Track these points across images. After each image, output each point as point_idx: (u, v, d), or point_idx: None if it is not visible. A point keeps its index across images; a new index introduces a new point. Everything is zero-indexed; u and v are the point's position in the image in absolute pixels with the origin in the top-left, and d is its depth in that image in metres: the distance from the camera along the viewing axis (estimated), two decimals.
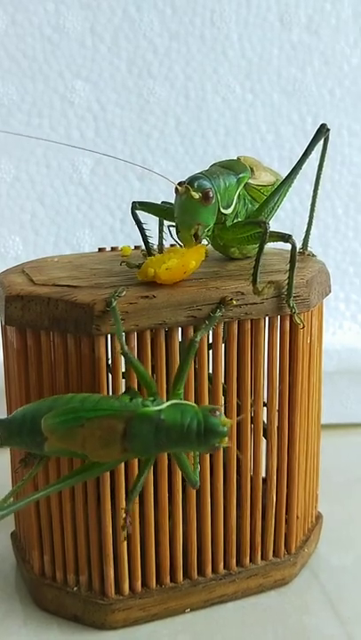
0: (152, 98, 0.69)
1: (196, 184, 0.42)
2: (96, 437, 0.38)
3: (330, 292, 0.50)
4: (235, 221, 0.46)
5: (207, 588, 0.47)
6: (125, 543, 0.44)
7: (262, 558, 0.49)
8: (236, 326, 0.44)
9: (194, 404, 0.39)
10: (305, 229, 0.53)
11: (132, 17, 0.68)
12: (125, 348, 0.40)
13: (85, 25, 0.68)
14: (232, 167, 0.46)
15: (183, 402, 0.39)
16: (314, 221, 0.53)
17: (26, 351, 0.44)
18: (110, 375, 0.43)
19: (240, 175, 0.46)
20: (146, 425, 0.38)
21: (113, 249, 0.55)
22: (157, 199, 0.52)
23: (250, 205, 0.47)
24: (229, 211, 0.45)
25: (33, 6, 0.67)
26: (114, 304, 0.40)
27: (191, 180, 0.42)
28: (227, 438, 0.38)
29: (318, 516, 0.55)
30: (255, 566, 0.48)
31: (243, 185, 0.46)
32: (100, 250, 0.55)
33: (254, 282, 0.43)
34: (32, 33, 0.67)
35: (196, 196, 0.41)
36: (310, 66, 0.71)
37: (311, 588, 0.49)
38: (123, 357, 0.40)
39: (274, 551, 0.49)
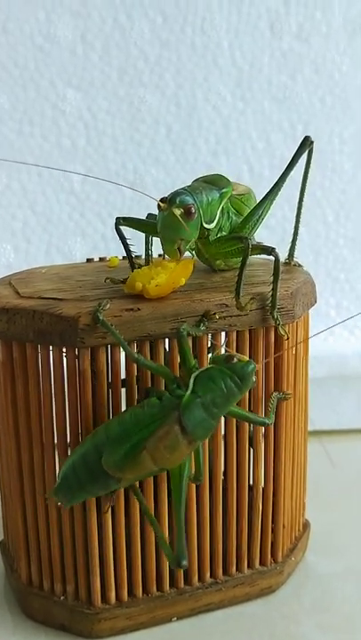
0: (143, 106, 0.70)
1: (178, 200, 0.42)
2: (162, 449, 0.39)
3: (315, 302, 0.51)
4: (218, 236, 0.46)
5: (194, 597, 0.47)
6: (112, 551, 0.45)
7: (249, 567, 0.49)
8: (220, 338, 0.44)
9: (210, 365, 0.41)
10: (291, 240, 0.53)
11: (122, 25, 0.68)
12: (134, 353, 0.41)
13: (76, 33, 0.68)
14: (215, 182, 0.46)
15: (201, 369, 0.41)
16: (302, 230, 0.53)
17: (12, 363, 0.44)
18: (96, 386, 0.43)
19: (223, 190, 0.46)
20: (195, 412, 0.39)
21: (101, 259, 0.55)
22: (149, 208, 0.52)
23: (234, 218, 0.48)
24: (212, 225, 0.45)
25: (24, 15, 0.67)
26: (101, 317, 0.40)
27: (173, 197, 0.42)
28: (256, 365, 0.40)
29: (306, 524, 0.55)
30: (242, 575, 0.48)
31: (226, 199, 0.46)
32: (89, 260, 0.56)
33: (237, 296, 0.43)
34: (23, 41, 0.67)
35: (178, 212, 0.42)
36: (301, 74, 0.71)
37: (298, 597, 0.49)
38: (135, 363, 0.41)
39: (260, 560, 0.49)
